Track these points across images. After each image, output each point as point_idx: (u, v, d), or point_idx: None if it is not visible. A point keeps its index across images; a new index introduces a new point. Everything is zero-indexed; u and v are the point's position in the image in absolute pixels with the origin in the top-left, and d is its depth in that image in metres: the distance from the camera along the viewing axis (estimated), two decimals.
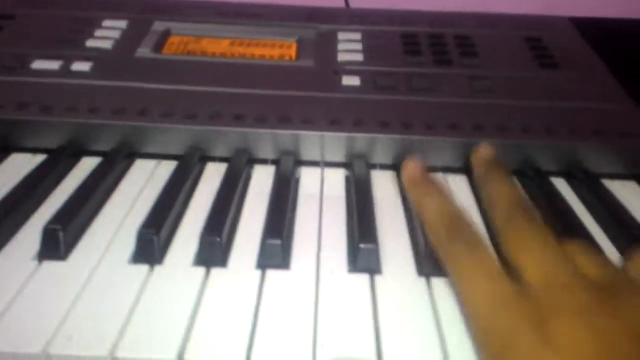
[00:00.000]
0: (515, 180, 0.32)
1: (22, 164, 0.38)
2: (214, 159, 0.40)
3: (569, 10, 0.57)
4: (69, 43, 0.46)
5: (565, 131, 0.39)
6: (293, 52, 0.49)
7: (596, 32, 0.53)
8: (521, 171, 0.39)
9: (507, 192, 0.30)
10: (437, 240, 0.27)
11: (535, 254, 0.23)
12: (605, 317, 0.19)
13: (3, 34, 0.48)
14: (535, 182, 0.37)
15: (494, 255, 0.25)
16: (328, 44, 0.49)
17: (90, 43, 0.46)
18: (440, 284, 0.28)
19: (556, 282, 0.21)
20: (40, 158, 0.38)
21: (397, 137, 0.38)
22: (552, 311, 0.20)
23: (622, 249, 0.32)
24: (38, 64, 0.43)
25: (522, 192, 0.31)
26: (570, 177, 0.39)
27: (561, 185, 0.38)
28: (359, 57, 0.47)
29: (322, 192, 0.37)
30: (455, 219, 0.28)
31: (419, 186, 0.32)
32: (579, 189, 0.37)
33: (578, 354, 0.18)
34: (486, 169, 0.33)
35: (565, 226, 0.32)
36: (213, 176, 0.38)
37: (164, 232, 0.30)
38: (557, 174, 0.39)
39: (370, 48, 0.48)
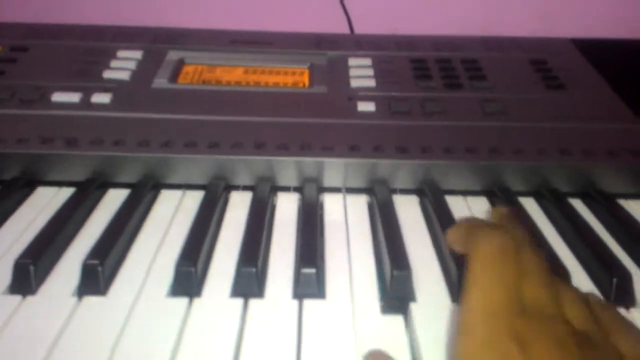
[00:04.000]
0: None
1: (48, 198, 0.38)
2: (237, 187, 0.40)
3: (566, 31, 0.59)
4: (86, 74, 0.47)
5: (578, 152, 0.40)
6: (306, 78, 0.50)
7: (597, 52, 0.54)
8: (538, 192, 0.40)
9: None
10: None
11: (538, 283, 0.24)
12: (577, 353, 0.21)
13: (17, 66, 0.49)
14: (552, 203, 0.38)
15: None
16: (339, 70, 0.50)
17: (107, 74, 0.47)
18: None
19: (546, 312, 0.23)
20: (65, 191, 0.39)
21: (416, 161, 0.39)
22: (534, 333, 0.22)
23: None
24: (58, 96, 0.44)
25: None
26: (586, 197, 0.40)
27: (578, 205, 0.39)
28: (372, 83, 0.48)
29: (346, 217, 0.38)
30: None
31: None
32: (595, 209, 0.39)
33: None
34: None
35: (587, 245, 0.33)
36: (239, 205, 0.38)
37: (200, 264, 0.31)
38: (574, 195, 0.40)
39: (381, 73, 0.50)
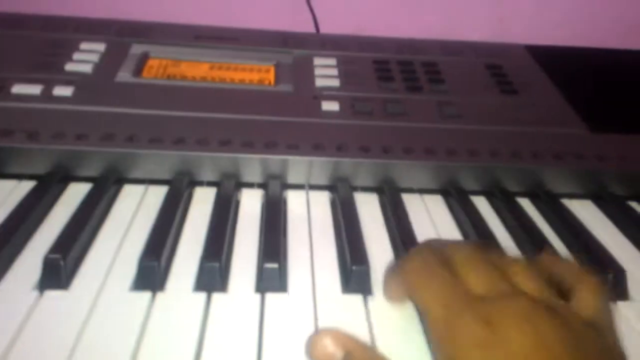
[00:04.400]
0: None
1: (8, 191, 0.38)
2: (201, 183, 0.41)
3: (520, 37, 0.62)
4: (48, 66, 0.46)
5: (528, 155, 0.42)
6: (271, 76, 0.51)
7: (549, 59, 0.57)
8: (490, 192, 0.42)
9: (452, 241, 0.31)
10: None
11: (482, 273, 0.26)
12: (543, 321, 0.22)
13: None
14: (503, 202, 0.41)
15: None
16: (305, 69, 0.51)
17: (70, 67, 0.46)
18: None
19: (501, 292, 0.24)
20: (26, 184, 0.38)
21: (378, 161, 0.41)
22: (498, 312, 0.23)
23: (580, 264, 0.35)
24: (18, 88, 0.43)
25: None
26: (533, 197, 0.42)
27: (526, 204, 0.41)
28: (336, 83, 0.49)
29: (309, 214, 0.39)
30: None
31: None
32: (541, 208, 0.41)
33: (520, 345, 0.21)
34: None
35: (532, 242, 0.36)
36: (202, 200, 0.39)
37: (164, 259, 0.31)
38: (522, 194, 0.42)
39: (346, 73, 0.51)
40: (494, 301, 0.24)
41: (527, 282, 0.25)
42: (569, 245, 0.37)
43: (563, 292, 0.26)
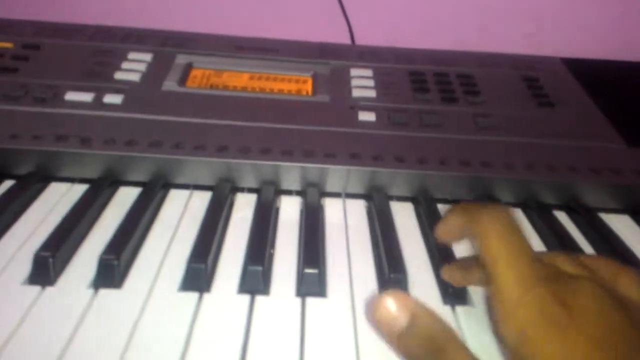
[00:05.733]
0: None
1: (62, 193, 0.40)
2: (242, 189, 0.42)
3: (555, 50, 0.62)
4: (98, 75, 0.49)
5: (564, 168, 0.43)
6: (309, 86, 0.52)
7: (585, 71, 0.57)
8: (526, 204, 0.42)
9: None
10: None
11: (559, 259, 0.26)
12: (614, 306, 0.23)
13: (29, 64, 0.50)
14: (538, 214, 0.41)
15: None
16: (341, 80, 0.53)
17: (119, 75, 0.49)
18: (463, 312, 0.31)
19: (570, 273, 0.24)
20: (78, 187, 0.40)
21: (413, 171, 0.42)
22: (572, 295, 0.23)
23: None
24: (71, 95, 0.45)
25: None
26: (570, 210, 0.42)
27: (562, 218, 0.42)
28: (372, 93, 0.50)
29: (345, 221, 0.40)
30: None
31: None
32: (578, 222, 0.41)
33: (595, 327, 0.22)
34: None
35: None
36: (244, 206, 0.40)
37: (210, 262, 0.33)
38: (558, 207, 0.43)
39: (382, 84, 0.52)
40: (564, 281, 0.23)
41: (583, 268, 0.25)
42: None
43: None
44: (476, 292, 0.32)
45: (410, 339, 0.24)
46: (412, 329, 0.24)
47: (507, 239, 0.25)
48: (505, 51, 0.60)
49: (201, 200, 0.40)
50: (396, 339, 0.25)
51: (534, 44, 0.67)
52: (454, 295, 0.32)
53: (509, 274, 0.24)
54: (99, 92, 0.46)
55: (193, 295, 0.31)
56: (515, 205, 0.43)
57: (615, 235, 0.39)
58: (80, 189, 0.40)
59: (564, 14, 0.68)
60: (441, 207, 0.41)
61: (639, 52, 0.64)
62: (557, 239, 0.38)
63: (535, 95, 0.52)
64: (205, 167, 0.41)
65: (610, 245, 0.38)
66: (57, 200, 0.39)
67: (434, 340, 0.24)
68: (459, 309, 0.32)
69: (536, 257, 0.25)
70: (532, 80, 0.54)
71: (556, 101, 0.52)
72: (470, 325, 0.30)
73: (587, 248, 0.39)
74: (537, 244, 0.39)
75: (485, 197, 0.42)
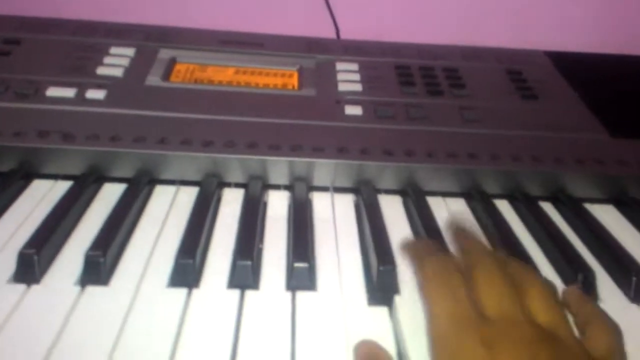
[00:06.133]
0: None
1: (45, 191, 0.39)
2: (228, 184, 0.42)
3: (539, 43, 0.62)
4: (80, 70, 0.48)
5: (549, 159, 0.43)
6: (295, 81, 0.52)
7: (568, 64, 0.58)
8: (512, 195, 0.43)
9: (480, 244, 0.32)
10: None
11: (496, 293, 0.26)
12: (544, 352, 0.23)
13: (10, 59, 0.49)
14: (525, 205, 0.41)
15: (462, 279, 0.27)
16: (327, 74, 0.53)
17: (101, 70, 0.48)
18: None
19: (509, 316, 0.25)
20: (62, 184, 0.40)
21: (401, 164, 0.42)
22: (501, 337, 0.23)
23: (604, 267, 0.36)
24: (52, 91, 0.44)
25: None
26: (555, 201, 0.43)
27: (548, 208, 0.42)
28: (358, 87, 0.50)
29: (334, 215, 0.40)
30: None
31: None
32: (564, 212, 0.42)
33: None
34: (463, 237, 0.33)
35: (555, 245, 0.36)
36: (231, 201, 0.40)
37: (198, 257, 0.33)
38: (544, 198, 0.43)
39: (368, 78, 0.52)
40: (500, 325, 0.24)
41: (541, 311, 0.25)
42: (591, 248, 0.38)
43: (578, 326, 0.26)
44: None
45: None
46: None
47: (440, 277, 0.27)
48: (490, 45, 0.60)
49: (188, 196, 0.40)
50: None
51: (518, 38, 0.68)
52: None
53: (439, 310, 0.26)
54: (81, 88, 0.45)
55: (182, 291, 0.31)
56: (502, 196, 0.43)
57: (600, 225, 0.40)
58: (64, 186, 0.39)
59: (547, 8, 0.68)
60: (429, 200, 0.41)
61: (621, 45, 0.65)
62: (544, 230, 0.38)
63: (519, 88, 0.53)
64: (191, 162, 0.40)
65: (595, 235, 0.39)
66: (40, 197, 0.38)
67: None
68: None
69: (472, 304, 0.26)
70: (516, 73, 0.55)
71: (540, 94, 0.52)
72: None
73: (573, 238, 0.39)
74: (523, 235, 0.39)
75: (472, 188, 0.43)
